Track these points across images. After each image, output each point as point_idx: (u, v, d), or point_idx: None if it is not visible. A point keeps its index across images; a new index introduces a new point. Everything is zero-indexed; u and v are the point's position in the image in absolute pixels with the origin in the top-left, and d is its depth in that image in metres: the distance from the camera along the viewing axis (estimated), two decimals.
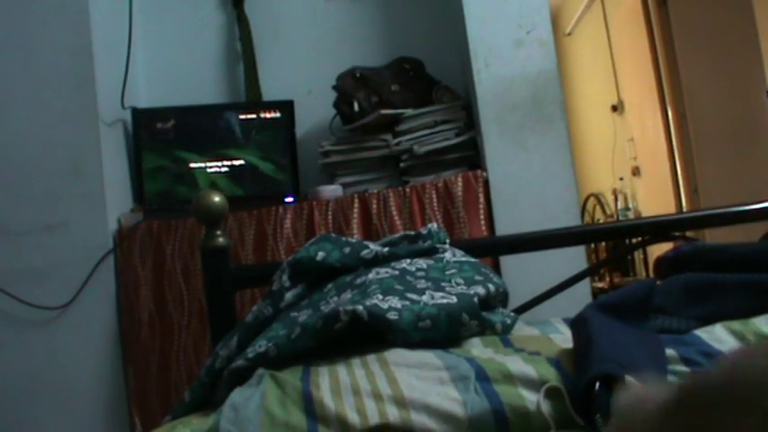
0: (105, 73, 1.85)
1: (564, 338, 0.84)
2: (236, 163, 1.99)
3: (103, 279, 1.76)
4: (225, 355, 0.88)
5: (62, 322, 1.73)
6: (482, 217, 1.77)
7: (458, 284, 0.92)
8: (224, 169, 1.99)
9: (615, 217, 3.90)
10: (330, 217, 1.80)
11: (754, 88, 2.43)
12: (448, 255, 1.04)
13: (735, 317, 0.83)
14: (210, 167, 1.99)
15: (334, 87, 1.97)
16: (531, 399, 0.65)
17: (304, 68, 2.17)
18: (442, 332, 0.82)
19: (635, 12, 3.35)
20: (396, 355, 0.76)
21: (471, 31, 1.85)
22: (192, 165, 1.98)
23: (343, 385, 0.70)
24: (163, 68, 2.17)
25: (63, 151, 1.78)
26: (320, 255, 1.00)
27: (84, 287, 1.74)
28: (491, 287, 0.94)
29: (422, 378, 0.70)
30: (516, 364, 0.70)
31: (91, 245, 1.76)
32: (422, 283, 0.91)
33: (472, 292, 0.89)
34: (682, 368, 0.71)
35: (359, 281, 0.92)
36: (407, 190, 1.80)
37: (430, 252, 1.06)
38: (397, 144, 1.88)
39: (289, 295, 0.98)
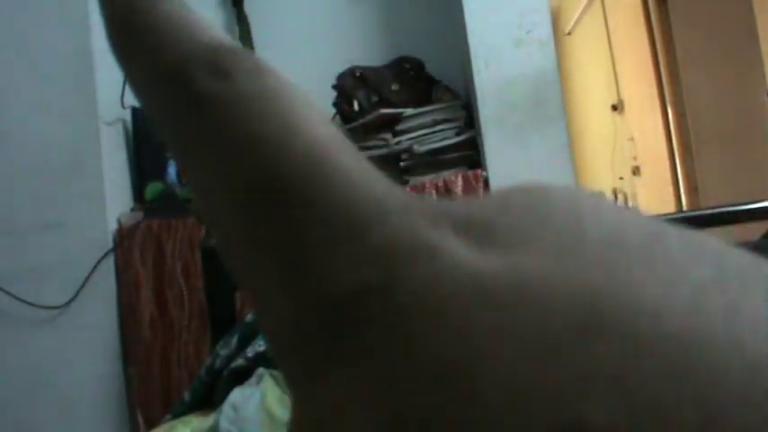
0: (105, 73, 1.85)
1: None
2: None
3: (103, 279, 1.76)
4: (225, 355, 0.88)
5: (62, 322, 1.73)
6: None
7: None
8: None
9: None
10: None
11: (754, 88, 2.43)
12: None
13: None
14: None
15: (334, 87, 1.97)
16: None
17: (304, 68, 2.17)
18: None
19: (635, 11, 3.35)
20: None
21: (471, 31, 1.85)
22: None
23: None
24: None
25: (63, 151, 1.78)
26: None
27: (84, 287, 1.74)
28: None
29: None
30: None
31: (91, 244, 1.76)
32: None
33: None
34: None
35: None
36: (408, 189, 1.80)
37: None
38: (397, 143, 1.88)
39: None
